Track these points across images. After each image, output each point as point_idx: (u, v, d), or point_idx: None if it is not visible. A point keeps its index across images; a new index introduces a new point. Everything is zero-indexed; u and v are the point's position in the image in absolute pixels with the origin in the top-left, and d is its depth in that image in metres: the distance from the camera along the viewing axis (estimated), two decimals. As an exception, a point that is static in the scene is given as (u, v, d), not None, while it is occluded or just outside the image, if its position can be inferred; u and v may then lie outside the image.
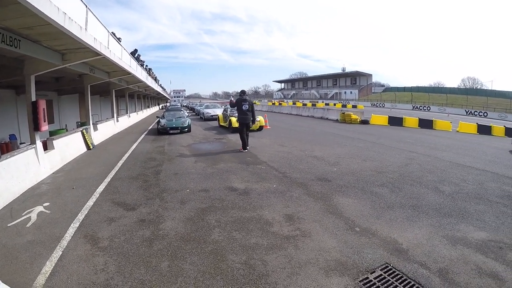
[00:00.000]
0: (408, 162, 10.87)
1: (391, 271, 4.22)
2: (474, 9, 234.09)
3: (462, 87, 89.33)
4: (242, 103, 13.01)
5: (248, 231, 5.54)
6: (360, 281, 4.02)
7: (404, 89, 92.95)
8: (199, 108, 40.03)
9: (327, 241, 5.10)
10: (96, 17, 11.01)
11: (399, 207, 6.59)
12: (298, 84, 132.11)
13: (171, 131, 19.66)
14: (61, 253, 4.81)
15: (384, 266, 4.34)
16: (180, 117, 22.04)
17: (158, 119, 22.30)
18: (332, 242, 5.06)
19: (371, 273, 4.18)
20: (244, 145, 13.09)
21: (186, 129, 20.39)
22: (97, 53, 10.73)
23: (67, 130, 16.77)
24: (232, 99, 15.36)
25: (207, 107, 34.52)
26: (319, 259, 4.56)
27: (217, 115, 27.16)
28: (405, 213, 6.24)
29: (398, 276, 4.12)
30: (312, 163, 10.57)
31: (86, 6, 9.70)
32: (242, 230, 5.58)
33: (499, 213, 6.38)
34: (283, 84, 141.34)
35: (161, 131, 19.86)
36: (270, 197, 7.28)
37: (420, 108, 67.36)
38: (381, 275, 4.15)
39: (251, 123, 13.36)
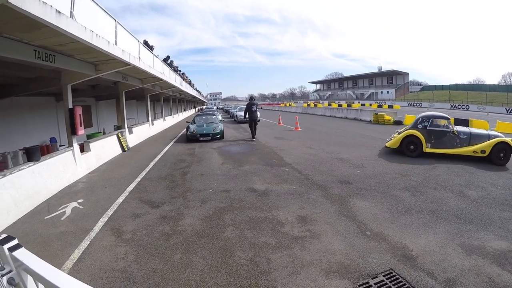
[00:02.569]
0: (436, 165, 10.52)
1: (394, 278, 4.15)
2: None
3: (502, 84, 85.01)
4: (252, 106, 18.08)
5: (260, 230, 5.69)
6: (359, 285, 4.01)
7: (442, 87, 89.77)
8: (233, 110, 40.55)
9: (335, 244, 5.10)
10: (126, 29, 11.65)
11: (417, 211, 6.45)
12: (333, 84, 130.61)
13: (201, 138, 17.63)
14: (88, 242, 5.40)
15: (388, 272, 4.28)
16: (212, 122, 19.86)
17: (188, 125, 19.45)
18: (339, 245, 5.06)
19: (373, 278, 4.14)
20: (253, 135, 18.22)
21: (218, 136, 18.16)
22: (126, 63, 11.23)
23: (104, 133, 17.51)
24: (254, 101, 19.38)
25: (240, 109, 33.51)
26: (322, 260, 4.59)
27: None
28: (422, 218, 6.09)
29: (401, 284, 4.03)
30: (336, 166, 10.51)
31: (115, 20, 10.35)
32: (254, 229, 5.74)
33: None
34: (318, 85, 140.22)
35: (190, 138, 17.88)
36: (288, 198, 7.36)
37: (459, 107, 64.83)
38: (382, 281, 4.10)
39: (258, 119, 19.52)
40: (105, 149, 12.99)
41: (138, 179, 9.54)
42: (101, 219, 6.42)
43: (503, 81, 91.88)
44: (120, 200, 7.62)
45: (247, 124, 20.97)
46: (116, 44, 9.97)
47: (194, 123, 19.79)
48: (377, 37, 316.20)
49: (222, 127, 19.26)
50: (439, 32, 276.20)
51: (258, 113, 21.10)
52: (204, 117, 20.99)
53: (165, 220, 6.25)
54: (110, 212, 6.82)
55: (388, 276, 4.20)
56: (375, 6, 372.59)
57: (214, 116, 21.67)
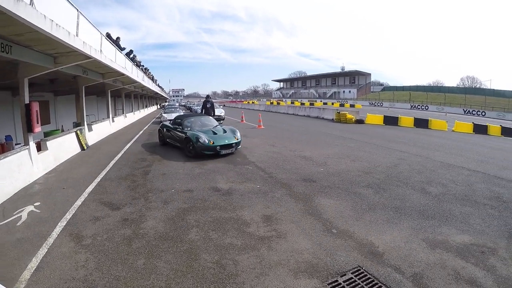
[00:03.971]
0: (397, 163, 10.79)
1: (362, 275, 4.14)
2: (474, 8, 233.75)
3: (461, 86, 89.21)
4: (207, 103, 20.53)
5: (225, 231, 5.53)
6: (328, 284, 3.96)
7: (403, 88, 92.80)
8: (196, 108, 39.52)
9: (301, 243, 5.04)
10: (88, 20, 11.04)
11: (381, 208, 6.53)
12: (297, 83, 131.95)
13: (223, 152, 12.04)
14: (46, 250, 4.99)
15: (356, 269, 4.27)
16: (213, 125, 14.03)
17: (162, 128, 15.02)
18: (306, 244, 5.00)
19: (341, 276, 4.11)
20: None
21: (239, 146, 13.13)
22: (87, 56, 10.70)
23: (62, 131, 16.68)
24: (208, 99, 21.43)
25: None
26: (290, 260, 4.51)
27: (216, 116, 25.01)
28: (386, 215, 6.16)
29: (369, 280, 4.04)
30: (300, 164, 10.51)
31: (78, 10, 9.73)
32: (219, 230, 5.57)
33: (485, 215, 6.30)
34: (282, 83, 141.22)
35: (201, 152, 11.80)
36: (252, 197, 7.25)
37: (418, 107, 67.20)
38: (351, 278, 4.08)
39: (212, 115, 19.91)
40: (63, 147, 12.32)
41: (98, 179, 9.11)
42: (59, 223, 6.01)
43: (461, 84, 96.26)
44: (79, 202, 7.19)
45: None
46: (77, 35, 9.44)
47: (189, 127, 13.22)
48: (341, 38, 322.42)
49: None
50: (401, 35, 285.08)
51: (223, 110, 24.04)
52: (193, 119, 14.28)
53: (127, 223, 5.95)
54: (68, 215, 6.39)
55: (357, 273, 4.19)
56: (341, 8, 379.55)
57: (209, 118, 15.42)
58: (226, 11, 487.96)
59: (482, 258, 4.62)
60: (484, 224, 5.84)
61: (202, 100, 24.91)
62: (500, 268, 4.36)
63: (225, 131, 13.07)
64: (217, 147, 11.77)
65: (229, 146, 12.11)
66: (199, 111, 27.36)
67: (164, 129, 14.79)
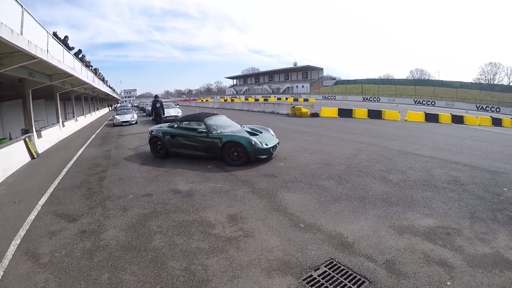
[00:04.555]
0: (356, 153, 10.94)
1: (336, 267, 4.09)
2: (421, 2, 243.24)
3: (410, 78, 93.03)
4: (156, 103, 21.00)
5: (190, 235, 5.30)
6: (303, 280, 3.87)
7: (355, 81, 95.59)
8: (150, 108, 38.68)
9: (270, 240, 4.92)
10: (34, 18, 10.44)
11: (346, 199, 6.54)
12: (250, 79, 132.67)
13: (274, 153, 10.68)
14: (2, 273, 4.56)
15: (328, 262, 4.20)
16: (239, 125, 12.00)
17: (161, 136, 11.53)
18: (275, 241, 4.88)
19: (315, 270, 4.03)
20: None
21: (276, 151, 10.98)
22: (33, 57, 10.05)
23: (10, 139, 15.69)
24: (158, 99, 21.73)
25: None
26: (261, 259, 4.38)
27: (173, 116, 25.69)
28: (351, 205, 6.18)
29: (344, 272, 4.00)
30: (259, 159, 10.24)
31: (22, 7, 9.11)
32: (184, 234, 5.34)
33: (446, 198, 6.47)
34: (235, 80, 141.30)
35: (255, 157, 9.87)
36: (214, 197, 7.06)
37: (370, 99, 69.35)
38: (325, 271, 4.01)
39: (162, 114, 21.32)
40: (11, 157, 11.43)
41: (51, 189, 8.53)
42: (13, 242, 5.50)
43: (411, 76, 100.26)
44: (32, 216, 6.65)
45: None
46: (21, 34, 8.86)
47: (218, 131, 10.58)
48: (293, 34, 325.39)
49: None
50: (351, 29, 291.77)
51: (180, 110, 25.05)
52: (216, 118, 11.72)
53: (85, 235, 5.55)
54: (22, 232, 5.88)
55: (330, 265, 4.13)
56: (292, 4, 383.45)
57: (222, 116, 12.75)
58: (178, 9, 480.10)
59: (448, 239, 4.73)
60: (446, 207, 5.99)
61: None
62: (467, 247, 4.49)
63: (259, 131, 11.34)
64: (270, 149, 10.09)
65: (275, 146, 10.61)
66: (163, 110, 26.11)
67: (167, 136, 11.28)
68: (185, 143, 10.94)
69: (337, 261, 4.20)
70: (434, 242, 4.63)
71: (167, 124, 12.76)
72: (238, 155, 9.79)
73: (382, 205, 6.13)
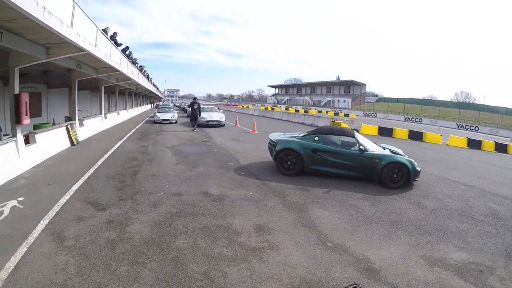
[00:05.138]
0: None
1: (358, 293, 3.91)
2: (469, 24, 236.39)
3: (454, 101, 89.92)
4: (194, 104, 22.64)
5: (214, 239, 5.28)
6: (323, 303, 3.72)
7: (397, 100, 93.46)
8: (190, 109, 38.99)
9: (295, 256, 4.81)
10: (85, 13, 10.77)
11: (378, 222, 6.33)
12: (292, 90, 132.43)
13: None
14: (26, 249, 4.74)
15: (352, 287, 4.03)
16: (372, 143, 10.34)
17: (303, 149, 9.67)
18: (299, 257, 4.77)
19: (337, 294, 3.87)
20: (193, 126, 22.58)
21: None
22: (81, 49, 10.41)
23: (54, 124, 16.31)
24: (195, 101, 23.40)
25: (202, 110, 24.97)
26: (282, 275, 4.28)
27: (216, 121, 24.67)
28: (382, 229, 5.97)
29: (366, 299, 3.81)
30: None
31: (74, 1, 9.44)
32: (208, 238, 5.32)
33: (482, 232, 6.13)
34: (277, 89, 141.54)
35: (414, 180, 9.45)
36: (244, 205, 7.00)
37: (412, 119, 67.52)
38: (347, 296, 3.84)
39: (198, 116, 22.86)
40: (53, 141, 12.04)
41: (85, 177, 8.81)
42: (41, 221, 5.73)
43: (455, 99, 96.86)
44: (63, 200, 6.90)
45: (207, 127, 21.61)
46: (71, 26, 9.18)
47: (367, 149, 9.44)
48: (337, 48, 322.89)
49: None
50: (397, 47, 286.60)
51: (223, 115, 25.52)
52: (361, 136, 10.39)
53: (112, 226, 5.67)
54: (52, 214, 6.11)
55: (352, 291, 3.95)
56: (338, 17, 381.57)
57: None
58: (224, 15, 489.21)
59: (480, 277, 4.46)
60: (482, 242, 5.68)
61: (200, 101, 24.80)
62: (500, 289, 4.19)
63: (398, 152, 10.26)
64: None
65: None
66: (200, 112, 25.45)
67: (307, 151, 9.62)
68: (332, 160, 9.43)
69: (360, 287, 4.04)
70: (465, 279, 4.38)
71: (295, 135, 10.68)
72: (397, 177, 9.00)
73: (415, 233, 5.89)
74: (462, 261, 4.92)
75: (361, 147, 9.33)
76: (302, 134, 10.49)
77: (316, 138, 9.74)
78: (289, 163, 9.78)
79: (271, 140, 10.57)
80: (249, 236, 5.46)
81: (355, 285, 4.04)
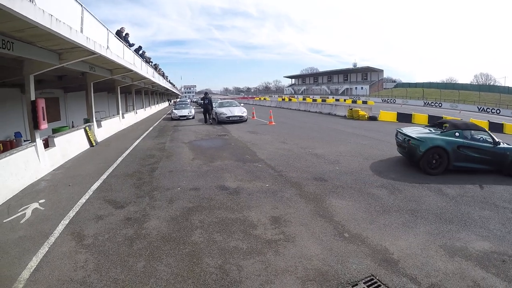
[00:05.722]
0: (412, 162, 10.37)
1: (375, 285, 3.85)
2: (488, 4, 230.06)
3: (474, 83, 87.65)
4: (205, 99, 24.11)
5: (230, 233, 5.31)
6: (339, 295, 3.67)
7: (416, 85, 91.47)
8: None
9: (311, 248, 4.77)
10: (94, 16, 10.99)
11: (396, 211, 6.20)
12: (308, 79, 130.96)
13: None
14: (47, 249, 4.93)
15: (369, 278, 3.97)
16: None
17: (450, 146, 9.06)
18: (316, 249, 4.72)
19: (353, 286, 3.83)
20: (206, 120, 23.77)
21: None
22: (92, 52, 10.58)
23: (72, 127, 16.69)
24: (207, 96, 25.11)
25: (221, 105, 25.57)
26: (298, 267, 4.25)
27: (237, 116, 23.08)
28: (401, 218, 5.84)
29: (383, 291, 3.74)
30: (311, 162, 10.18)
31: (82, 6, 9.65)
32: (224, 232, 5.36)
33: (505, 220, 5.92)
34: (293, 80, 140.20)
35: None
36: (260, 197, 6.99)
37: (432, 104, 66.17)
38: (363, 288, 3.78)
39: (210, 110, 23.89)
40: (71, 144, 12.30)
41: (104, 176, 9.00)
42: (62, 221, 5.91)
43: (475, 81, 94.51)
44: (83, 200, 7.09)
45: (225, 123, 21.69)
46: (82, 31, 9.37)
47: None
48: (353, 34, 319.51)
49: None
50: (414, 31, 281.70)
51: (245, 110, 24.34)
52: None
53: (129, 223, 5.79)
54: (72, 214, 6.29)
55: (369, 283, 3.89)
56: (353, 3, 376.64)
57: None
58: (237, 8, 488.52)
59: (503, 268, 4.27)
60: (505, 230, 5.47)
61: (216, 96, 25.63)
62: (524, 280, 4.03)
63: None
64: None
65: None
66: (215, 111, 24.22)
67: (454, 146, 9.06)
68: (473, 155, 9.19)
69: (377, 279, 3.96)
70: (486, 269, 4.21)
71: (430, 131, 10.19)
72: None
73: (435, 221, 5.74)
74: (484, 250, 4.74)
75: (495, 140, 9.28)
76: (434, 130, 10.18)
77: (457, 134, 9.35)
78: (434, 161, 9.21)
79: (408, 136, 9.74)
80: (265, 228, 5.45)
81: (372, 277, 3.98)
